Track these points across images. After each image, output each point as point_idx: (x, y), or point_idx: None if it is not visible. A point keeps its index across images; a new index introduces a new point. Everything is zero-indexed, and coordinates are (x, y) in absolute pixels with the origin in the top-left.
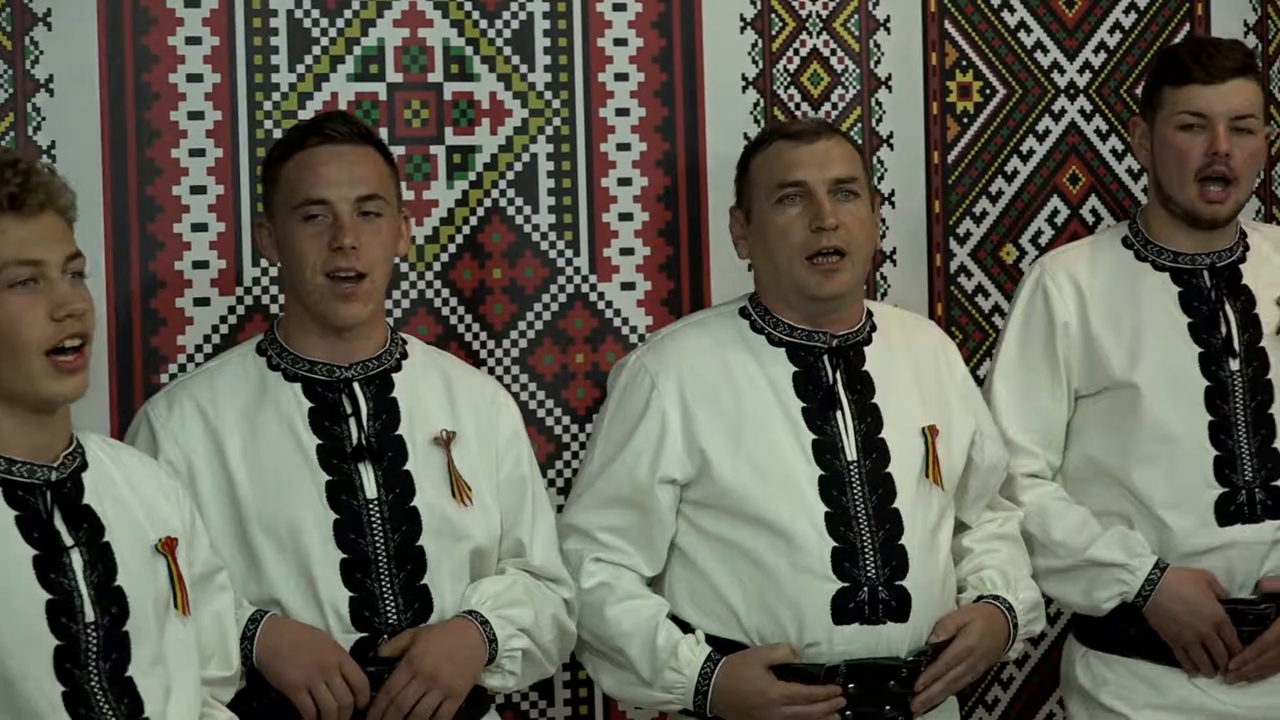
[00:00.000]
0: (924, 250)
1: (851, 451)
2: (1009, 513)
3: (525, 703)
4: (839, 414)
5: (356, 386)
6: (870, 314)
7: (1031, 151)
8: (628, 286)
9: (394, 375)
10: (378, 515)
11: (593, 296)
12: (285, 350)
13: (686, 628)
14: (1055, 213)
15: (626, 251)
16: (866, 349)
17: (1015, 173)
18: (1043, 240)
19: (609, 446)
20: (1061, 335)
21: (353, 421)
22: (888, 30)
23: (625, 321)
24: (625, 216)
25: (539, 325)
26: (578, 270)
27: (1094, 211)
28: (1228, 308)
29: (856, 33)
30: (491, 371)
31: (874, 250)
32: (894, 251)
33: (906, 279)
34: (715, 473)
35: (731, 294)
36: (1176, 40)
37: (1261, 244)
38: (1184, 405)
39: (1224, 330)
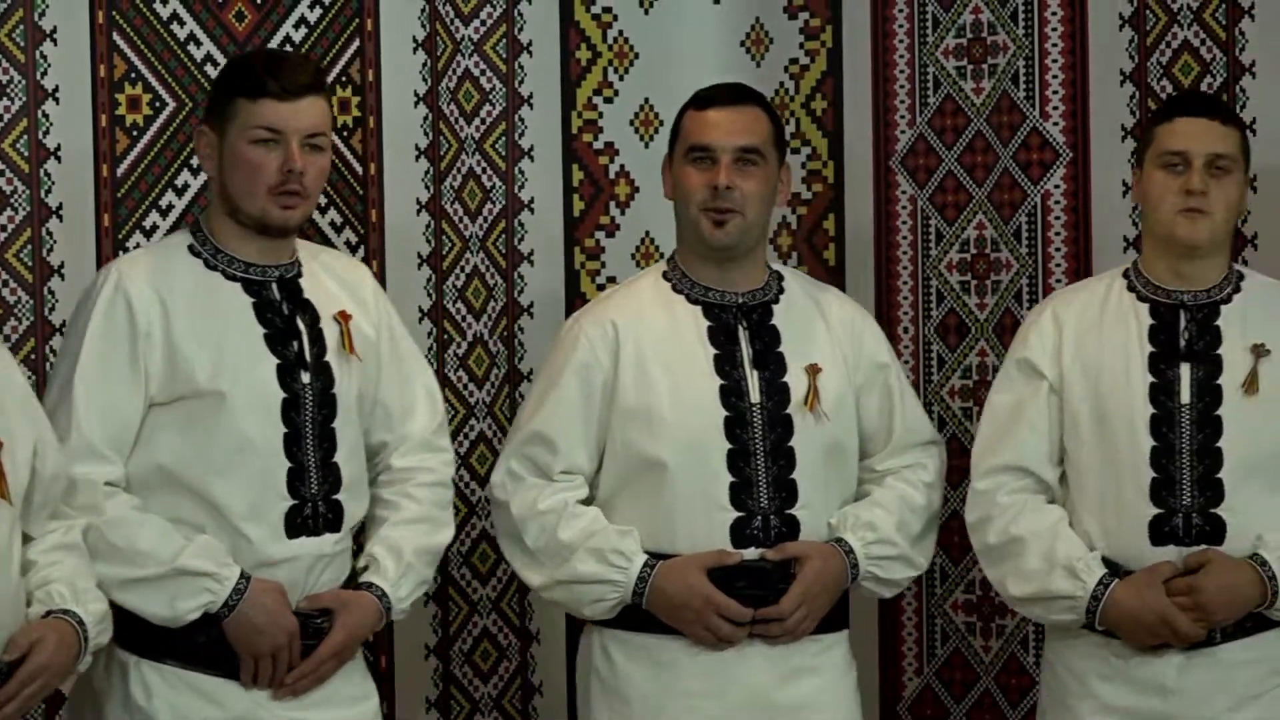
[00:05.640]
0: (91, 267)
1: None
2: (71, 522)
3: None
4: None
5: None
6: None
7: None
8: None
9: None
10: None
11: None
12: None
13: None
14: None
15: None
16: None
17: (186, 186)
18: None
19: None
20: (144, 342)
21: None
22: (54, 41)
23: None
24: None
25: None
26: None
27: None
28: (299, 321)
29: (23, 44)
30: None
31: None
32: (61, 266)
33: (72, 294)
34: None
35: None
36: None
37: (313, 263)
38: (262, 416)
39: (296, 344)
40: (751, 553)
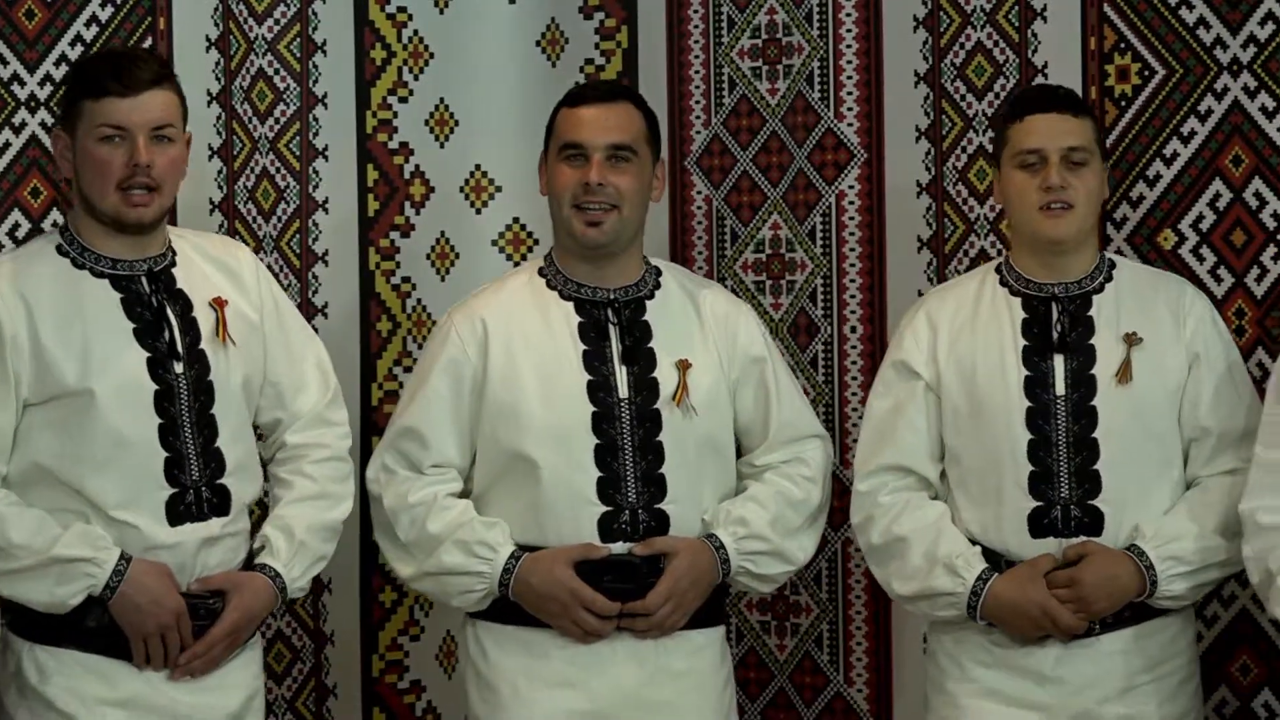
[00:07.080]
0: None
1: None
2: None
3: None
4: None
5: None
6: None
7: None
8: None
9: None
10: None
11: None
12: None
13: None
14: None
15: None
16: None
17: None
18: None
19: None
20: (10, 346)
21: None
22: None
23: None
24: None
25: None
26: None
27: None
28: (169, 312)
29: None
30: None
31: None
32: None
33: None
34: None
35: None
36: (130, 50)
37: (189, 250)
38: (134, 410)
39: (167, 335)
40: (620, 547)
